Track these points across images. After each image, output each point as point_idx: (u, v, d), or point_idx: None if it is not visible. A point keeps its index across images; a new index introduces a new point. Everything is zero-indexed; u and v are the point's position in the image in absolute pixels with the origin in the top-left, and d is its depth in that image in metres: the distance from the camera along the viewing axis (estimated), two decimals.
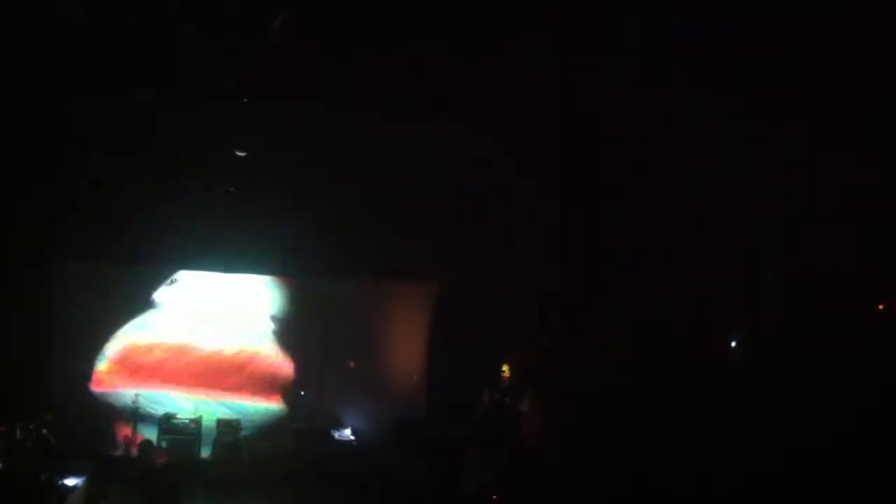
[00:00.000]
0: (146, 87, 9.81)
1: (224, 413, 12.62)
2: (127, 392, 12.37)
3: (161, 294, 12.61)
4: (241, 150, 10.95)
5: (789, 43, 9.13)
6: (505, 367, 11.98)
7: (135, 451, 11.59)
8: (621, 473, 10.21)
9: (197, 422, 12.23)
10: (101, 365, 12.36)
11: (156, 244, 12.00)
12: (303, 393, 13.00)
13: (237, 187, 11.96)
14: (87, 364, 12.24)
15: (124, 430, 12.16)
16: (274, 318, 13.04)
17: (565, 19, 9.10)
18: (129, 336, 12.49)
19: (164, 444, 11.87)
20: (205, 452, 12.18)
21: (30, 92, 9.87)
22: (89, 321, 12.27)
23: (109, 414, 12.18)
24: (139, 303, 12.54)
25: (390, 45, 9.61)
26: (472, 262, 12.30)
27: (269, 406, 12.90)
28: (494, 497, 10.54)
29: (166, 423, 12.14)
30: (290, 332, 13.04)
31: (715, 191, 10.75)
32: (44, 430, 10.13)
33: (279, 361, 13.03)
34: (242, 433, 12.41)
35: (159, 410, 12.40)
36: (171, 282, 12.64)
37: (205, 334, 12.74)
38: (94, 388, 12.23)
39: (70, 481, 9.65)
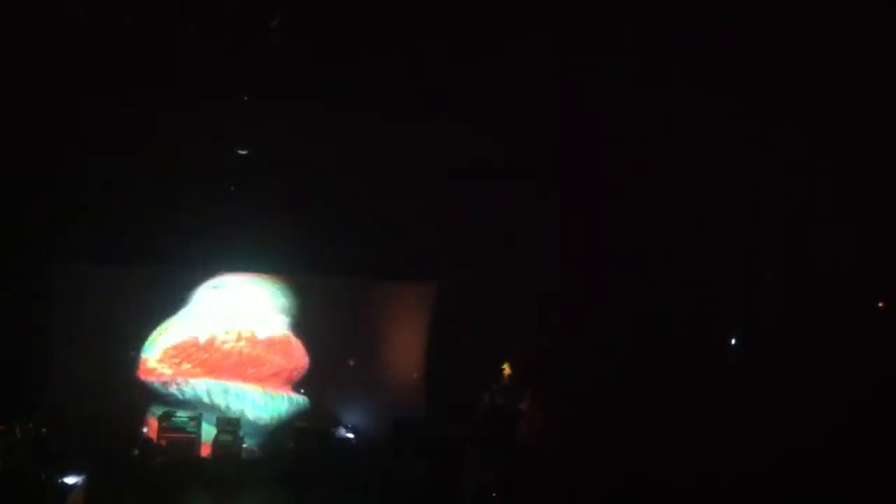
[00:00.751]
0: (146, 87, 9.80)
1: (224, 412, 12.62)
2: (126, 390, 12.39)
3: (160, 294, 12.62)
4: (242, 149, 10.97)
5: (789, 43, 9.12)
6: (505, 367, 11.98)
7: (135, 450, 11.64)
8: (621, 473, 10.19)
9: (196, 420, 12.23)
10: (101, 364, 12.34)
11: (155, 244, 11.98)
12: (303, 391, 13.03)
13: (237, 187, 11.96)
14: (86, 363, 12.22)
15: (124, 429, 12.16)
16: (274, 318, 13.05)
17: (565, 19, 9.09)
18: (128, 335, 12.49)
19: (163, 443, 11.89)
20: (204, 451, 12.19)
21: (29, 92, 9.86)
22: (89, 320, 12.26)
23: (109, 412, 12.17)
24: (139, 302, 12.55)
25: (390, 45, 9.60)
26: (472, 261, 12.29)
27: (268, 405, 12.91)
28: (494, 496, 10.54)
29: (166, 422, 12.14)
30: (289, 331, 13.05)
31: (715, 191, 10.74)
32: (43, 429, 10.15)
33: (278, 361, 13.03)
34: (242, 432, 12.42)
35: (159, 409, 12.42)
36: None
37: (203, 334, 12.74)
38: (94, 386, 12.21)
39: (70, 480, 9.67)
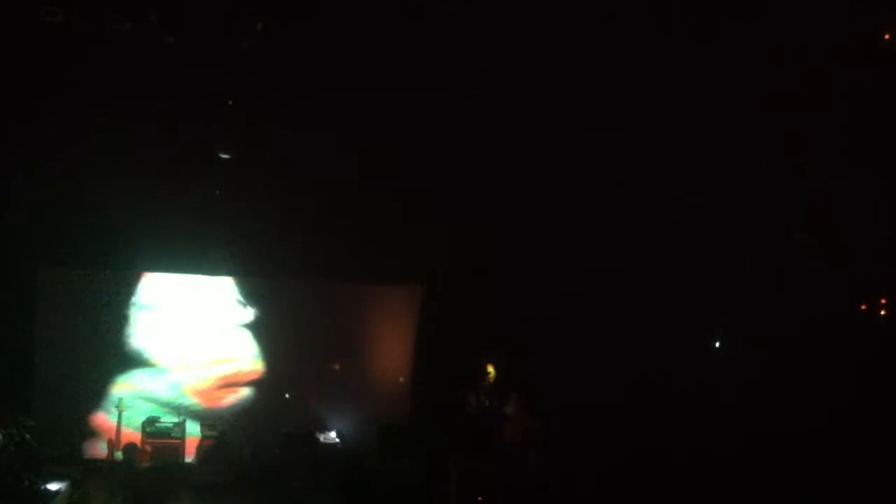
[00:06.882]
0: (134, 90, 9.79)
1: (209, 416, 12.58)
2: (111, 396, 12.32)
3: (144, 298, 12.55)
4: (226, 153, 10.96)
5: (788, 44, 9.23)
6: (490, 369, 12.01)
7: (119, 455, 11.58)
8: (605, 475, 10.24)
9: (181, 425, 12.19)
10: (84, 369, 12.27)
11: (141, 248, 11.90)
12: (287, 396, 12.98)
13: (223, 190, 11.91)
14: (69, 368, 12.14)
15: (108, 434, 12.10)
16: (259, 321, 13.01)
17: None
18: (112, 339, 12.42)
19: (148, 448, 11.84)
20: (189, 456, 12.14)
21: (18, 96, 9.84)
22: (72, 325, 12.18)
23: (93, 418, 12.12)
24: (122, 307, 12.48)
25: (386, 44, 9.64)
26: (459, 264, 12.29)
27: (253, 409, 12.87)
28: (480, 499, 10.56)
29: (150, 427, 12.08)
30: (274, 334, 13.00)
31: (713, 192, 10.82)
32: (27, 435, 10.09)
33: (264, 364, 13.00)
34: (227, 436, 12.37)
35: (143, 414, 12.35)
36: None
37: (189, 337, 12.68)
38: (77, 391, 12.14)
39: (53, 486, 9.62)
